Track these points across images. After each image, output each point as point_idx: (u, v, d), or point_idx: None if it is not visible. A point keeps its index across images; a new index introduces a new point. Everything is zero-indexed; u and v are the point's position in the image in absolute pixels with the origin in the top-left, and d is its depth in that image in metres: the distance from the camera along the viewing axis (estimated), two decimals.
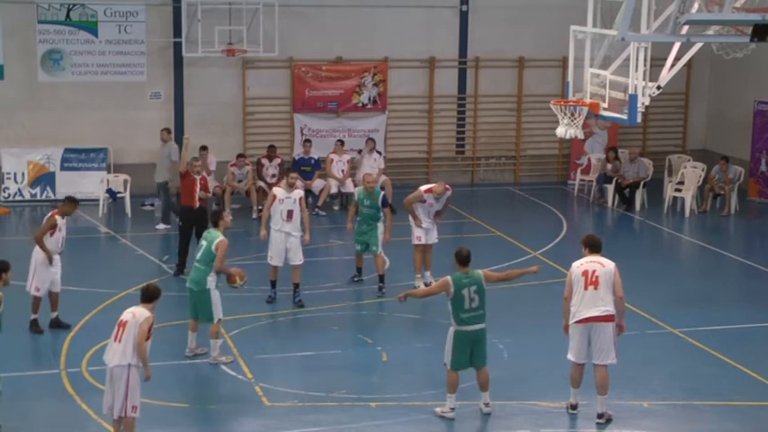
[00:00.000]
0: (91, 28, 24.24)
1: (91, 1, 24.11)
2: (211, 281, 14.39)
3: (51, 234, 15.48)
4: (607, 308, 12.63)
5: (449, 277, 12.73)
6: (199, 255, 14.58)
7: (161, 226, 21.95)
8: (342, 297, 17.45)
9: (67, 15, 24.07)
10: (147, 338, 11.44)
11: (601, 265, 12.74)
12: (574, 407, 13.08)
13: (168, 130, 22.89)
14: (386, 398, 13.42)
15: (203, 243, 14.59)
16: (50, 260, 15.43)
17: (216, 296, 14.41)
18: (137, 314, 11.52)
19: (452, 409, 12.90)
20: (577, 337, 12.81)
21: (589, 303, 12.61)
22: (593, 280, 12.61)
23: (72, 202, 15.96)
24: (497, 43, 26.30)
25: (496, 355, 14.74)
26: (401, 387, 13.78)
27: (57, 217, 15.53)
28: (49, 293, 15.60)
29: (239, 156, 23.53)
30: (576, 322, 12.73)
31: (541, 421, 12.93)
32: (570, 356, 12.93)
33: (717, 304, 17.51)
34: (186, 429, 12.61)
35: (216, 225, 14.70)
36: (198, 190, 18.41)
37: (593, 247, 12.93)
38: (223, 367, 14.34)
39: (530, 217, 23.80)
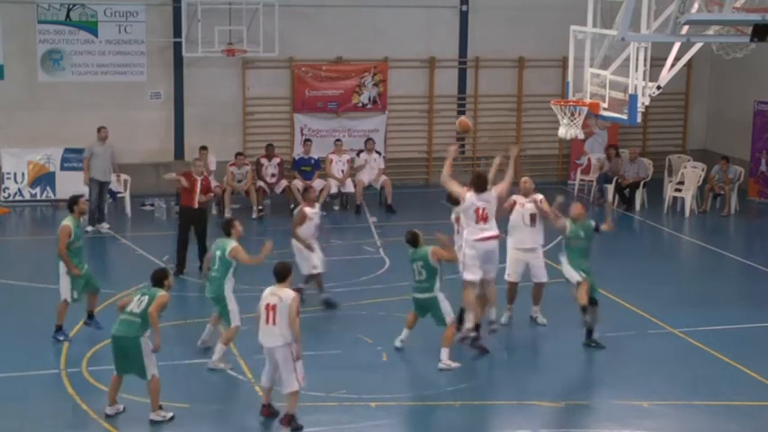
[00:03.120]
0: (91, 28, 24.25)
1: (91, 1, 24.12)
2: (228, 288, 14.30)
3: (301, 224, 16.52)
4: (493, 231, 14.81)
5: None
6: (215, 266, 14.36)
7: (104, 225, 21.81)
8: (341, 297, 17.43)
9: (67, 15, 24.08)
10: (298, 315, 12.37)
11: (487, 202, 14.74)
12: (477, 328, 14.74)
13: (106, 128, 22.11)
14: (386, 398, 13.42)
15: (217, 253, 14.38)
16: (309, 248, 16.49)
17: (233, 304, 14.36)
18: (282, 296, 12.32)
19: (402, 341, 14.86)
20: (479, 256, 14.67)
21: (484, 229, 14.66)
22: (483, 216, 14.67)
23: (308, 191, 17.74)
24: (497, 43, 26.31)
25: (496, 356, 14.76)
26: (401, 387, 13.79)
27: (306, 209, 16.66)
28: (313, 276, 16.71)
29: (238, 154, 23.52)
30: (475, 240, 14.68)
31: (541, 421, 12.93)
32: (470, 276, 14.68)
33: (717, 304, 17.51)
34: (186, 429, 12.61)
35: (228, 234, 14.53)
36: (198, 191, 18.41)
37: (477, 186, 14.74)
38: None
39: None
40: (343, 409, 13.05)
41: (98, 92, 24.45)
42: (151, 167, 24.69)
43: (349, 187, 23.92)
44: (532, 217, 16.01)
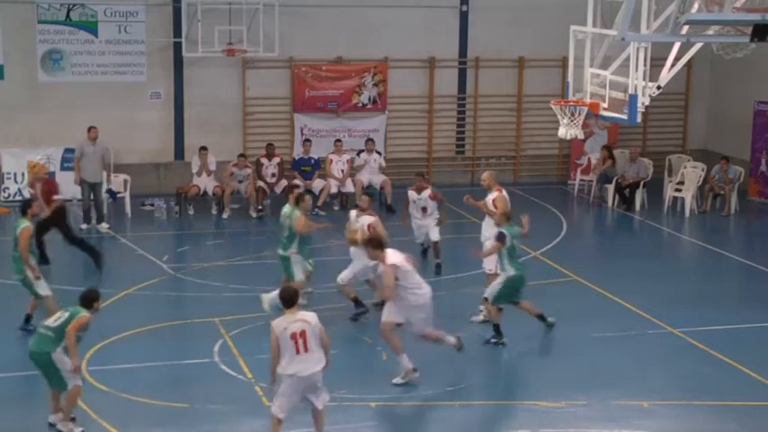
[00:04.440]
0: (91, 28, 24.23)
1: (91, 1, 24.09)
2: (292, 249, 16.21)
3: None
4: None
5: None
6: (286, 232, 16.30)
7: (104, 225, 21.76)
8: (341, 297, 17.42)
9: (67, 15, 24.05)
10: None
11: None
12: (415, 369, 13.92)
13: (96, 128, 21.93)
14: (386, 398, 13.42)
15: (287, 222, 16.23)
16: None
17: (295, 258, 16.22)
18: (308, 319, 11.70)
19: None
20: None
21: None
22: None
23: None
24: (497, 43, 26.30)
25: (496, 356, 14.76)
26: (401, 387, 13.77)
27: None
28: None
29: (240, 155, 23.52)
30: None
31: (541, 421, 12.93)
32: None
33: (717, 304, 17.49)
34: (186, 429, 12.60)
35: (297, 204, 16.48)
36: (40, 197, 18.39)
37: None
38: (223, 367, 14.35)
39: (530, 217, 23.74)
40: (343, 409, 13.04)
41: (98, 92, 24.42)
42: (151, 167, 24.67)
43: (349, 187, 23.91)
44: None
